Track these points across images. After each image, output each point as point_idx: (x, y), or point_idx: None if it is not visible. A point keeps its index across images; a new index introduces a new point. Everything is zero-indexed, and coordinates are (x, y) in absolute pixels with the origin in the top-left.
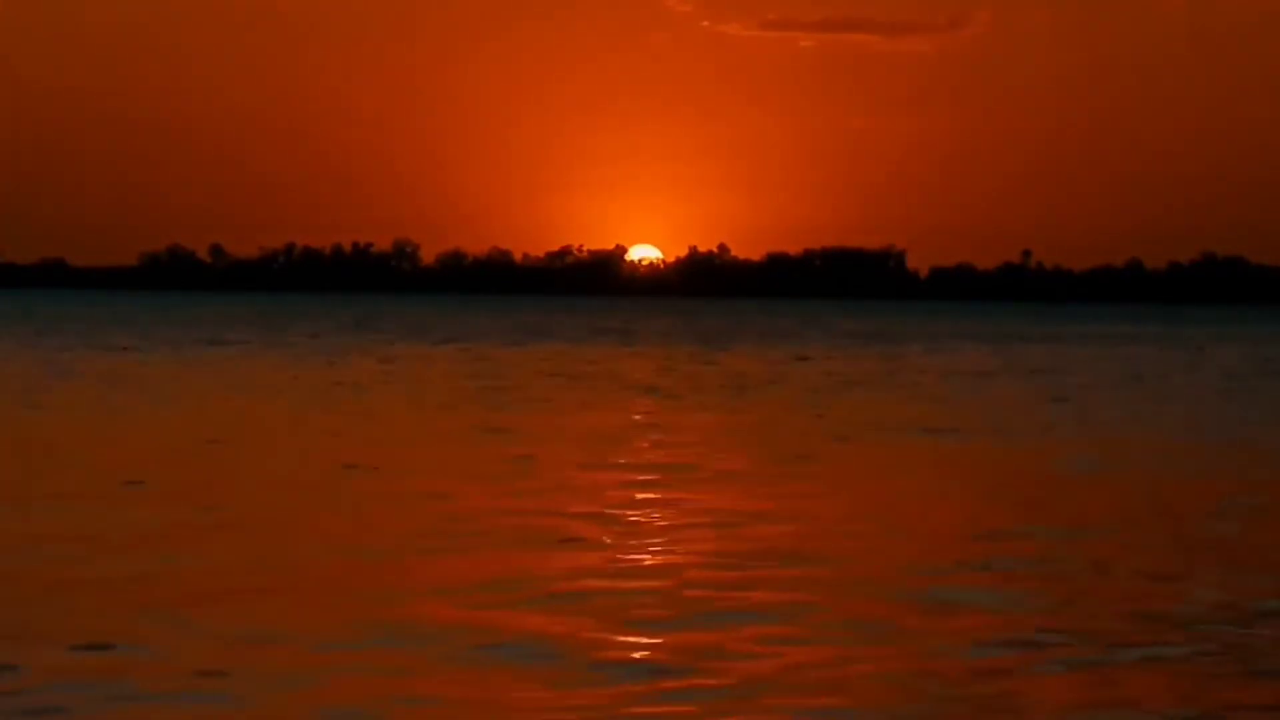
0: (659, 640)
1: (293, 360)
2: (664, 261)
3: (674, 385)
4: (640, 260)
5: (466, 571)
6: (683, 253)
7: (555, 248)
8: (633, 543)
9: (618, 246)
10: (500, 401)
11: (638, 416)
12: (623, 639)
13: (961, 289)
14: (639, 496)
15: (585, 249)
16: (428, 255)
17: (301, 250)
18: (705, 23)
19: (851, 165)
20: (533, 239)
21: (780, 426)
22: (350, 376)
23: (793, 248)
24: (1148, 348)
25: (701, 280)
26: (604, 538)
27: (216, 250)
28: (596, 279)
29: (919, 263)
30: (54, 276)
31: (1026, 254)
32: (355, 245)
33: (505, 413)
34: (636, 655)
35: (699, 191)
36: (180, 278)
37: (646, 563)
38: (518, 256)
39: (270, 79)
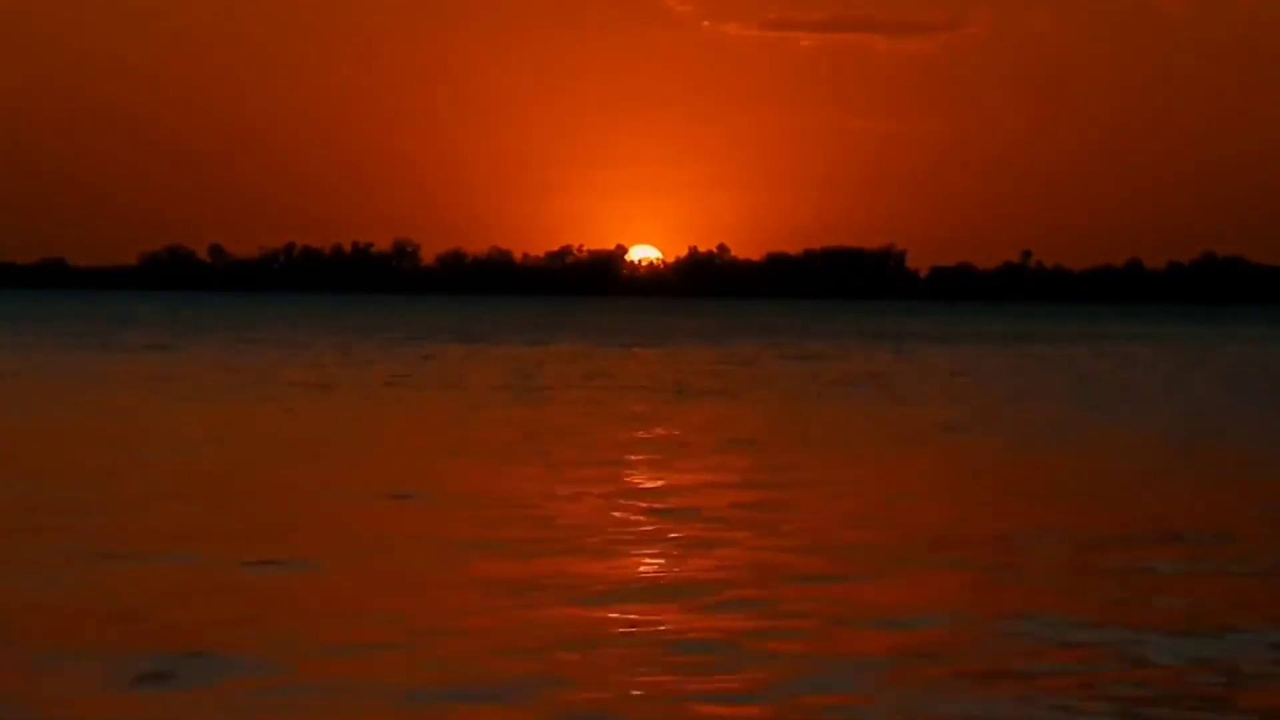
0: None
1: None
2: (664, 261)
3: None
4: (640, 260)
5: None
6: (683, 253)
7: (555, 248)
8: None
9: (618, 246)
10: None
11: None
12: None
13: (961, 289)
14: None
15: (585, 249)
16: (428, 255)
17: (301, 250)
18: (705, 23)
19: (851, 165)
20: (533, 239)
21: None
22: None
23: (793, 248)
24: None
25: (701, 280)
26: None
27: (216, 250)
28: (596, 279)
29: (919, 263)
30: (54, 276)
31: (1026, 254)
32: (355, 245)
33: None
34: None
35: (699, 191)
36: (180, 278)
37: None
38: (518, 256)
39: (271, 80)
